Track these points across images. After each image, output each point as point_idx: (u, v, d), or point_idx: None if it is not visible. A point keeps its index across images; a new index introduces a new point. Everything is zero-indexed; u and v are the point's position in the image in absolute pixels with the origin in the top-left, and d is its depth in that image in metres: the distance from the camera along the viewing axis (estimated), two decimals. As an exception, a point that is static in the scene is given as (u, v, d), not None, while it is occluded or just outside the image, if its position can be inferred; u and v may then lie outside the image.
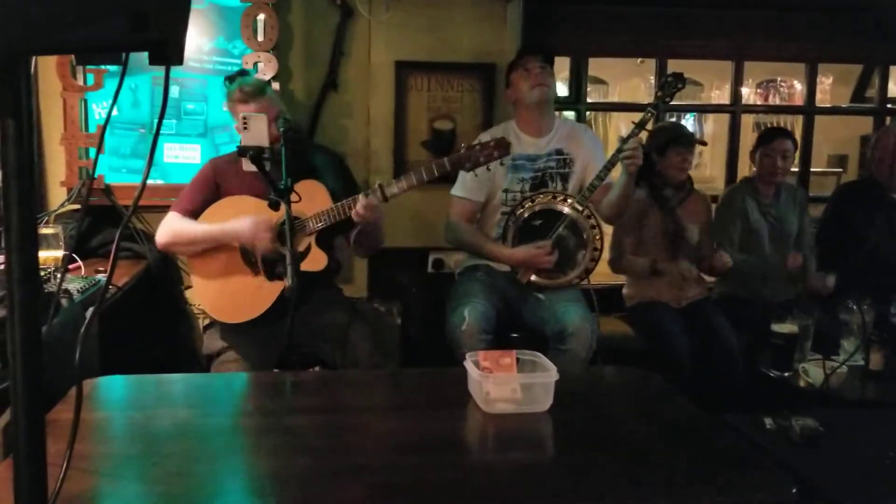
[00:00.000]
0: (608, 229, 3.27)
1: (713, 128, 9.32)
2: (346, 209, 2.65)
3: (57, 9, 0.81)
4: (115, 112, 3.44)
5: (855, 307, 2.98)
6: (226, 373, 2.64)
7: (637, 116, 3.00)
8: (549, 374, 1.74)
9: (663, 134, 3.58)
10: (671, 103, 3.15)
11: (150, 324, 3.36)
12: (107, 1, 0.83)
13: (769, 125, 6.51)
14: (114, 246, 1.16)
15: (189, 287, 3.49)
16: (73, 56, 3.25)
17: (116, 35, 0.84)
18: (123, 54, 0.98)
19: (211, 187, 2.84)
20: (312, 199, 2.71)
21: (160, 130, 1.03)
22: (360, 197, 2.63)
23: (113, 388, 1.94)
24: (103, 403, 1.84)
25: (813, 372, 2.92)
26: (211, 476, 1.49)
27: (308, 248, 2.73)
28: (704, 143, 3.55)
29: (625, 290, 3.69)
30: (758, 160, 3.71)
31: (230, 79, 2.90)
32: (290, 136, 2.74)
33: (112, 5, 0.83)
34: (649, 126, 3.01)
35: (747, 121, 5.20)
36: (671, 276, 3.53)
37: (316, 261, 2.73)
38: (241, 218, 2.68)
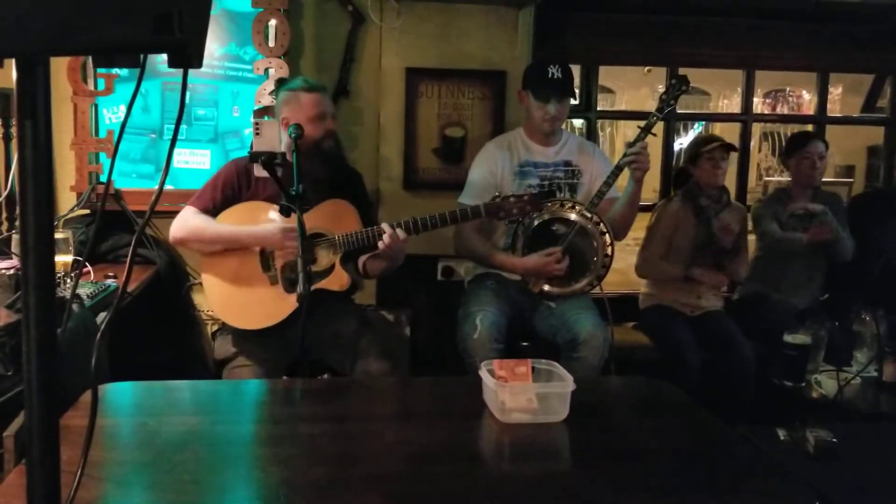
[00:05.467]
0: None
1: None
2: (373, 235, 2.65)
3: (78, 9, 0.80)
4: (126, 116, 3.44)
5: (869, 318, 2.96)
6: (236, 380, 2.62)
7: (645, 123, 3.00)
8: (565, 383, 1.73)
9: (694, 142, 3.61)
10: (682, 111, 3.15)
11: (157, 329, 3.35)
12: (129, 1, 0.82)
13: (777, 134, 6.51)
14: (130, 253, 1.14)
15: (195, 283, 3.48)
16: (86, 59, 3.26)
17: (138, 36, 0.83)
18: (142, 56, 0.97)
19: (233, 188, 2.80)
20: (341, 218, 2.72)
21: (177, 136, 1.02)
22: (386, 226, 2.62)
23: (122, 395, 1.92)
24: (113, 410, 1.82)
25: (826, 383, 2.91)
26: (223, 485, 1.48)
27: (332, 267, 2.72)
28: (735, 148, 3.56)
29: (641, 292, 3.68)
30: (793, 166, 3.70)
31: (280, 82, 2.94)
32: (329, 148, 2.75)
33: (135, 6, 0.82)
34: (655, 130, 3.01)
35: (755, 130, 5.19)
36: (692, 284, 3.52)
37: (339, 281, 2.73)
38: (271, 222, 2.66)
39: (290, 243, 2.62)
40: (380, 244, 2.62)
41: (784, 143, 3.89)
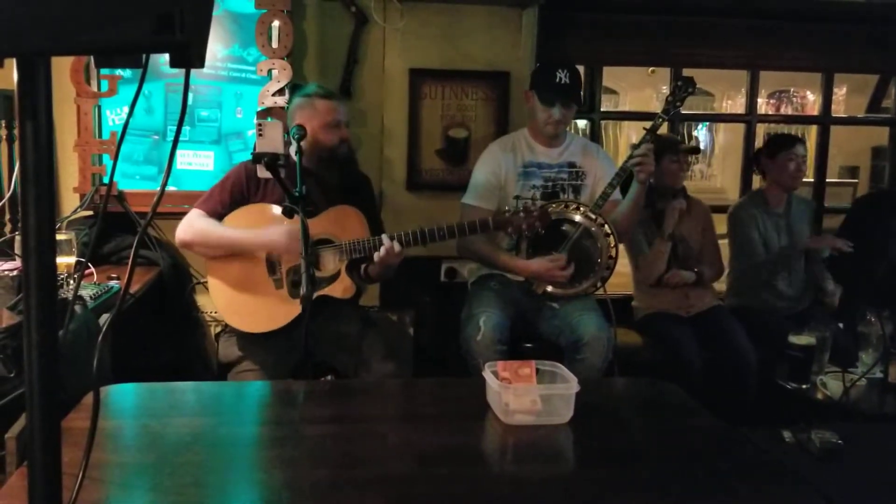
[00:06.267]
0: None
1: (724, 138, 9.31)
2: (378, 243, 2.64)
3: (79, 8, 0.80)
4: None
5: (874, 319, 2.94)
6: (239, 381, 2.62)
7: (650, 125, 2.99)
8: (569, 385, 1.72)
9: (656, 143, 3.55)
10: (686, 112, 3.13)
11: (160, 330, 3.35)
12: (131, 1, 0.82)
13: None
14: (131, 254, 1.14)
15: (199, 283, 3.48)
16: (89, 60, 3.26)
17: (140, 36, 0.83)
18: (144, 56, 0.96)
19: (242, 191, 2.78)
20: (350, 224, 2.72)
21: (179, 137, 1.01)
22: (385, 238, 2.62)
23: (125, 396, 1.92)
24: (116, 411, 1.82)
25: (831, 385, 2.89)
26: (226, 487, 1.47)
27: (338, 274, 2.72)
28: (698, 151, 3.53)
29: (633, 303, 3.66)
30: (775, 167, 3.67)
31: (294, 88, 2.93)
32: (344, 155, 2.76)
33: (136, 5, 0.82)
34: (660, 131, 3.00)
35: (759, 131, 5.19)
36: (674, 289, 3.50)
37: (344, 288, 2.72)
38: (277, 226, 2.65)
39: (297, 246, 2.61)
40: (375, 255, 2.62)
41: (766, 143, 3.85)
